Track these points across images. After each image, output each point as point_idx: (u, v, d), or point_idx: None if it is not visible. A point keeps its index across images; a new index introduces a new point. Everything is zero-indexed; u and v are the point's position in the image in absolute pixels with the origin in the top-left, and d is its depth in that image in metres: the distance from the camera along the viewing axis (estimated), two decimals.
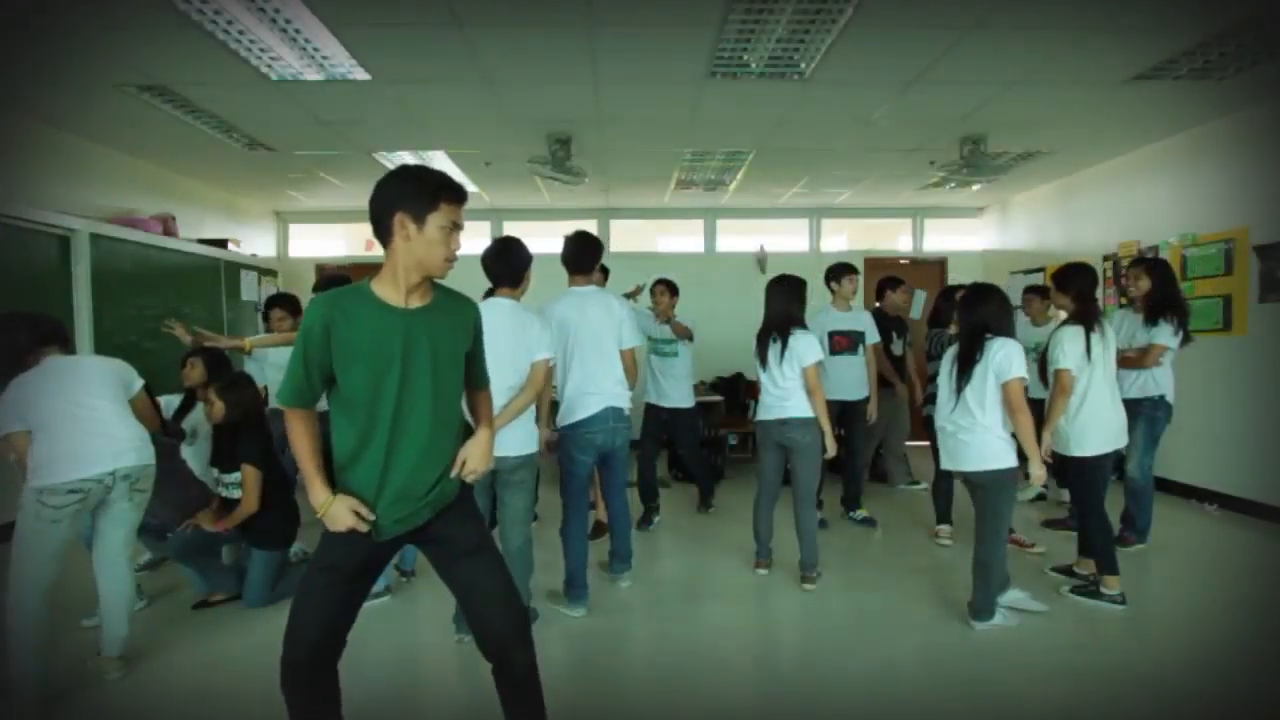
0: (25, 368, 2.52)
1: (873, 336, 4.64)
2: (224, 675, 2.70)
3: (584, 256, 3.33)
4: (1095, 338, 3.21)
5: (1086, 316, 3.24)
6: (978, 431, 2.94)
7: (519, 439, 2.80)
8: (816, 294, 4.14)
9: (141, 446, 2.63)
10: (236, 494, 3.29)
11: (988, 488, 2.96)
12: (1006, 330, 2.98)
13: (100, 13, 3.20)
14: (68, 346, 2.70)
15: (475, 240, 4.97)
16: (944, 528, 4.19)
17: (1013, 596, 3.13)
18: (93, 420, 2.51)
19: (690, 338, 4.79)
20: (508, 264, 2.88)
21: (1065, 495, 4.42)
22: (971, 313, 3.02)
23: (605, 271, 4.45)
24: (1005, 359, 2.87)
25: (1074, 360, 3.19)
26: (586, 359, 3.25)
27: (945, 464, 3.16)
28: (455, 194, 1.67)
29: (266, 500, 3.27)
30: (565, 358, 3.27)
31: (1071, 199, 6.56)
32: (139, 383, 2.77)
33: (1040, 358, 3.46)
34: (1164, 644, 2.87)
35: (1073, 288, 3.29)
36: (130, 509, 2.61)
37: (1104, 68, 3.97)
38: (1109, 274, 5.88)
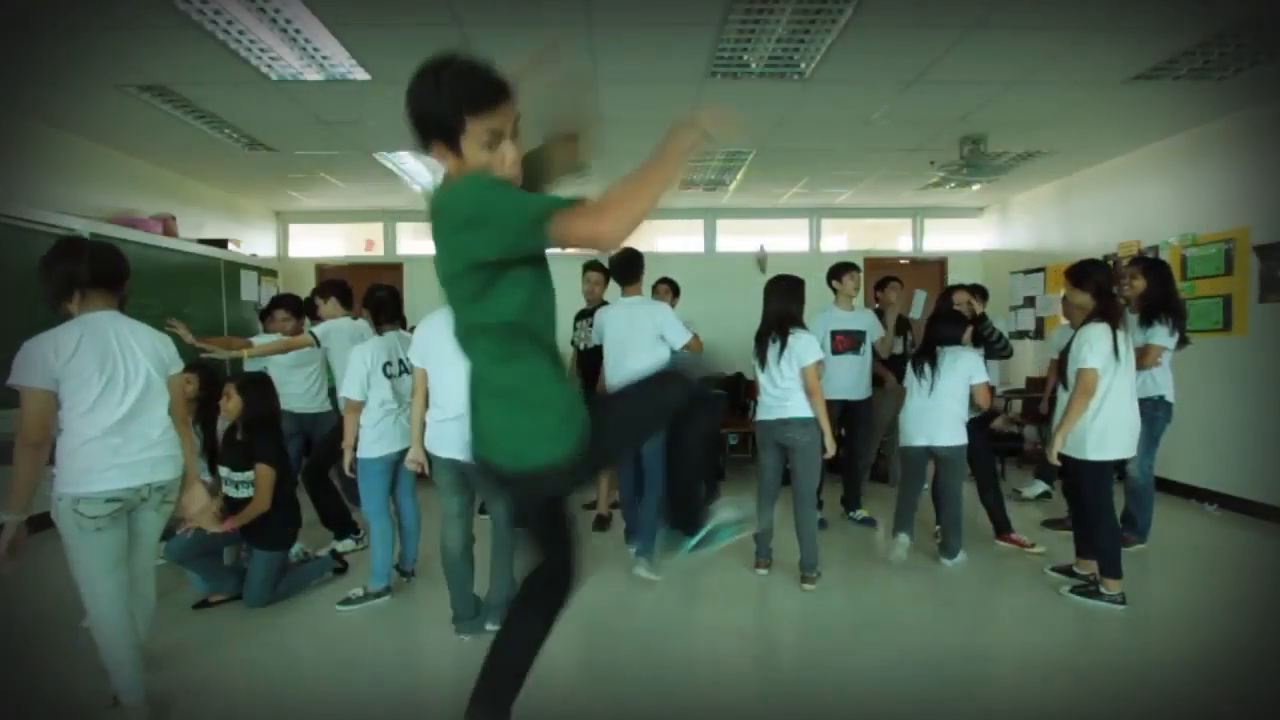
0: (72, 305, 2.29)
1: (875, 335, 4.64)
2: (224, 675, 2.71)
3: (620, 271, 3.93)
4: (1121, 335, 3.09)
5: (1109, 313, 3.11)
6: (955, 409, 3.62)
7: None
8: (817, 294, 4.14)
9: (176, 457, 2.45)
10: (245, 493, 3.30)
11: (953, 460, 3.66)
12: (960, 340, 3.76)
13: (100, 13, 3.20)
14: (121, 291, 2.36)
15: None
16: None
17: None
18: (134, 428, 2.29)
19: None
20: None
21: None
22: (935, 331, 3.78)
23: None
24: (973, 366, 3.67)
25: (1102, 359, 3.06)
26: (610, 365, 3.81)
27: (922, 440, 3.67)
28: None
29: (273, 500, 3.27)
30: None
31: (1071, 199, 6.55)
32: (179, 364, 2.51)
33: (1060, 357, 3.37)
34: (1164, 644, 2.87)
35: (1090, 283, 3.18)
36: (158, 519, 2.47)
37: (1104, 68, 3.97)
38: None
